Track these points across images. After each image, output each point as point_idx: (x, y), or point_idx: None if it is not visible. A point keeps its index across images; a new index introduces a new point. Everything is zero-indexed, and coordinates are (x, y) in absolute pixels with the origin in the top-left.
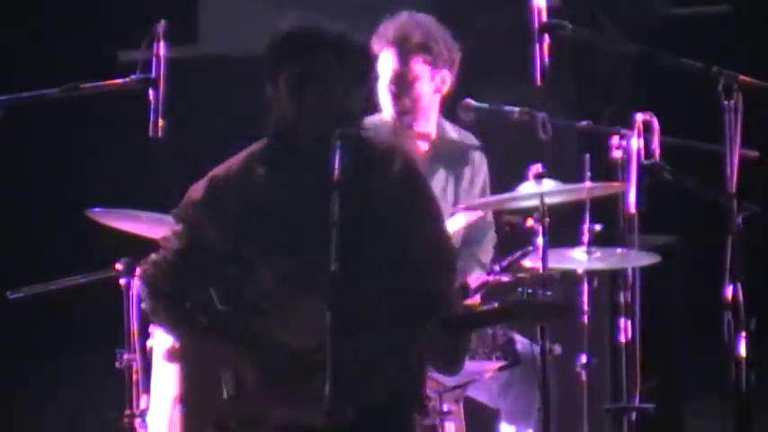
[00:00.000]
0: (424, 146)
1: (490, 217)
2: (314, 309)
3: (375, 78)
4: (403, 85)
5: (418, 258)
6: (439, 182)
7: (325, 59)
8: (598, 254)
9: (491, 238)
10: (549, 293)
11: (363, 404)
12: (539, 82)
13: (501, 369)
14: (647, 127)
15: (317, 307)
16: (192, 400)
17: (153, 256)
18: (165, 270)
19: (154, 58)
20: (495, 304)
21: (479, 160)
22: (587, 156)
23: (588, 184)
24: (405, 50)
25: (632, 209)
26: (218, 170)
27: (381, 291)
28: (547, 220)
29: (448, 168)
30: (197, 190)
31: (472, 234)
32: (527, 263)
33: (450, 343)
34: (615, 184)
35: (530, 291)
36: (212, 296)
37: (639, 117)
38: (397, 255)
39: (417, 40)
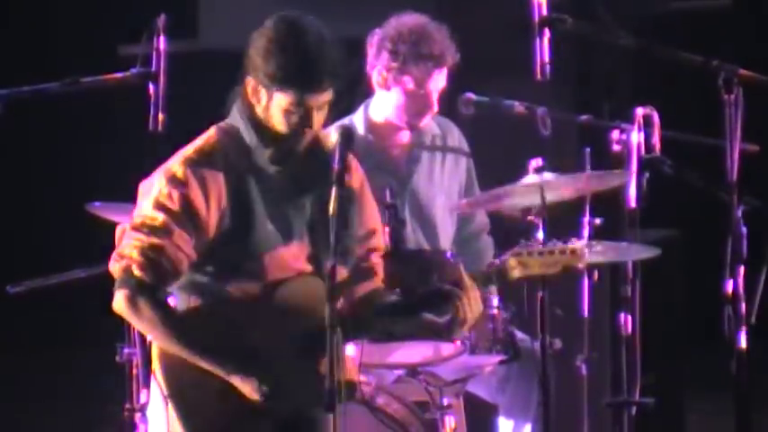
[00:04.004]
0: (405, 136)
1: (485, 217)
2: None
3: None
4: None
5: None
6: (425, 165)
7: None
8: (598, 247)
9: (488, 244)
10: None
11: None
12: (539, 76)
13: (501, 363)
14: (647, 121)
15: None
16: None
17: (123, 247)
18: (151, 258)
19: (154, 53)
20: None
21: (460, 138)
22: (587, 150)
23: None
24: (449, 69)
25: (632, 202)
26: (193, 153)
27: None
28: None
29: (431, 151)
30: (174, 172)
31: (467, 226)
32: None
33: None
34: (615, 171)
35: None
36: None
37: (640, 111)
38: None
39: (453, 57)
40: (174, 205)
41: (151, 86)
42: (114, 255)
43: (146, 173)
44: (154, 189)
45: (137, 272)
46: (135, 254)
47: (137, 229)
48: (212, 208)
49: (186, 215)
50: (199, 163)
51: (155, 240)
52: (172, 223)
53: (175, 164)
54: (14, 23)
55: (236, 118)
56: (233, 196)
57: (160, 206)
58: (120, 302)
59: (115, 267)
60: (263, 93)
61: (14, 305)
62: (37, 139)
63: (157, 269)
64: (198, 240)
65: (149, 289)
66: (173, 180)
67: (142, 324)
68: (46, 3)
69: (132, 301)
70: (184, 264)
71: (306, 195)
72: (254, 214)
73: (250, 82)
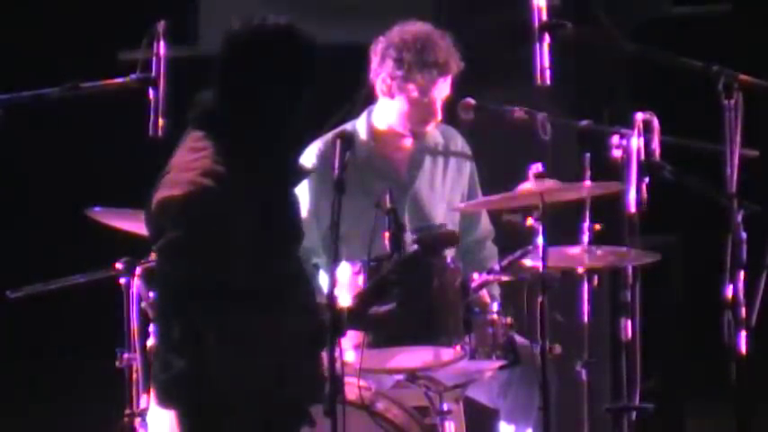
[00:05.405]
0: (408, 143)
1: (489, 225)
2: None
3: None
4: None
5: None
6: (427, 172)
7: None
8: (598, 253)
9: (493, 253)
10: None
11: None
12: (539, 81)
13: (501, 369)
14: (647, 126)
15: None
16: None
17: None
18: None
19: (154, 58)
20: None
21: (463, 147)
22: (587, 155)
23: (588, 183)
24: (453, 77)
25: (632, 208)
26: (206, 165)
27: None
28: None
29: (434, 158)
30: (198, 187)
31: (471, 233)
32: (527, 262)
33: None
34: (614, 183)
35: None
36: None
37: (639, 116)
38: None
39: (457, 65)
40: None
41: (151, 92)
42: None
43: (145, 178)
44: None
45: None
46: None
47: None
48: None
49: None
50: None
51: None
52: None
53: None
54: (14, 28)
55: None
56: None
57: None
58: None
59: None
60: None
61: (14, 310)
62: (37, 144)
63: None
64: None
65: None
66: None
67: None
68: (46, 7)
69: None
70: None
71: None
72: None
73: None
